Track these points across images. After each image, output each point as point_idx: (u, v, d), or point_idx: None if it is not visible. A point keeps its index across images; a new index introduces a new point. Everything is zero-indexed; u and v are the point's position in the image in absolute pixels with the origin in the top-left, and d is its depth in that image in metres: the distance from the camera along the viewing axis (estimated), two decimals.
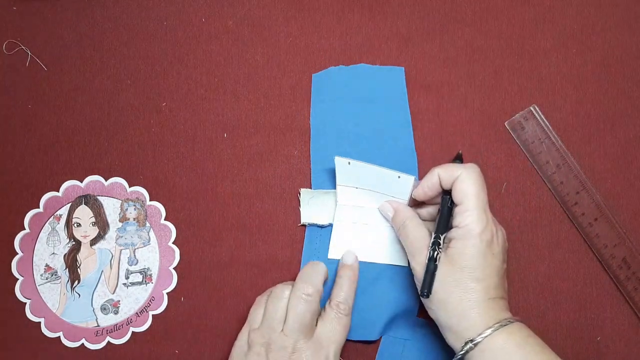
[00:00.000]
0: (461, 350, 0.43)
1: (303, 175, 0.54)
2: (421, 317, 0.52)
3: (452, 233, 0.45)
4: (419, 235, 0.47)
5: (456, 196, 0.45)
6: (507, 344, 0.42)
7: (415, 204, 0.50)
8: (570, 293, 0.52)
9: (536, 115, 0.53)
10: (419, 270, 0.45)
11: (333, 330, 0.46)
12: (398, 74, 0.54)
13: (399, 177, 0.49)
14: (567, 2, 0.55)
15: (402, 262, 0.51)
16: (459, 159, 0.50)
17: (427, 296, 0.44)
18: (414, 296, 0.51)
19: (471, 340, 0.42)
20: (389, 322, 0.50)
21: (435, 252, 0.45)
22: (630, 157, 0.53)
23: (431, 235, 0.46)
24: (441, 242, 0.45)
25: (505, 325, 0.42)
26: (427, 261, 0.45)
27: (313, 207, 0.52)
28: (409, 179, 0.49)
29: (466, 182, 0.45)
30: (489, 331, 0.42)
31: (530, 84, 0.54)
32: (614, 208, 0.52)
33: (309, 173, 0.54)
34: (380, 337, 0.51)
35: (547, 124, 0.53)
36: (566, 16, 0.55)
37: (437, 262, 0.44)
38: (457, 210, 0.45)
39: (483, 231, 0.44)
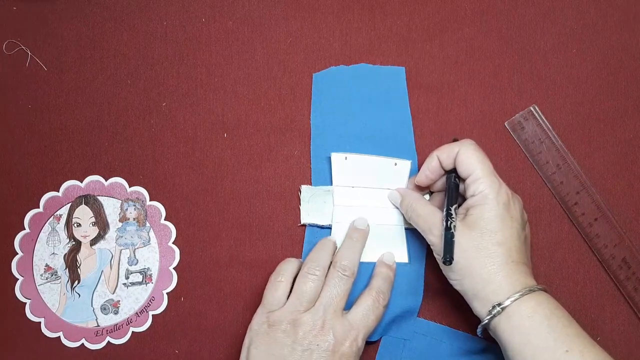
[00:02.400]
0: (488, 315, 0.43)
1: (303, 175, 0.54)
2: (421, 318, 0.52)
3: (469, 202, 0.45)
4: (429, 212, 0.47)
5: (461, 170, 0.46)
6: (536, 312, 0.42)
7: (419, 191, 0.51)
8: (570, 293, 0.52)
9: (536, 115, 0.53)
10: (437, 242, 0.45)
11: (367, 317, 0.46)
12: (398, 73, 0.54)
13: (395, 164, 0.50)
14: (567, 2, 0.55)
15: (401, 260, 0.51)
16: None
17: (450, 263, 0.44)
18: (414, 296, 0.51)
19: (499, 304, 0.42)
20: (389, 322, 0.50)
21: (450, 222, 0.45)
22: (630, 157, 0.53)
23: (441, 211, 0.46)
24: (452, 212, 0.45)
25: (533, 291, 0.42)
26: (443, 232, 0.45)
27: (313, 205, 0.53)
28: (405, 164, 0.51)
29: (467, 153, 0.46)
30: (516, 295, 0.42)
31: (530, 84, 0.54)
32: (614, 208, 0.52)
33: (309, 173, 0.54)
34: (380, 337, 0.51)
35: (547, 124, 0.53)
36: (566, 16, 0.55)
37: (453, 231, 0.44)
38: (468, 182, 0.45)
39: (498, 194, 0.44)
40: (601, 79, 0.54)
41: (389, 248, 0.52)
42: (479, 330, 0.45)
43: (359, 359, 0.46)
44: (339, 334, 0.45)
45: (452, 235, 0.44)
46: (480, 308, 0.44)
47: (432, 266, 0.52)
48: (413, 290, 0.51)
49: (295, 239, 0.53)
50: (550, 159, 0.53)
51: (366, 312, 0.47)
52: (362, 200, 0.52)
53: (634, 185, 0.53)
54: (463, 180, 0.46)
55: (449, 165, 0.47)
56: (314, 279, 0.47)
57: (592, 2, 0.55)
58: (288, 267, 0.49)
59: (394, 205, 0.51)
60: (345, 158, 0.52)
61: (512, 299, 0.42)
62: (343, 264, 0.48)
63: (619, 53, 0.54)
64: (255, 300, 0.53)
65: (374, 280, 0.49)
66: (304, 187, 0.53)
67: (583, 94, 0.54)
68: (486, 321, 0.43)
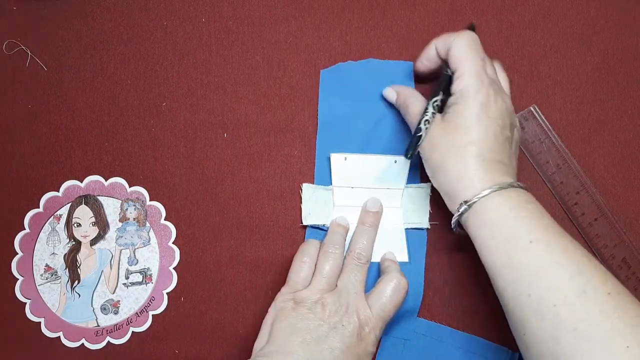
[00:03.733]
0: (457, 212, 0.43)
1: (303, 175, 0.54)
2: (421, 318, 0.52)
3: (451, 99, 0.46)
4: (420, 108, 0.48)
5: (451, 63, 0.46)
6: (503, 206, 0.42)
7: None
8: None
9: (536, 115, 0.53)
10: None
11: (384, 307, 0.47)
12: (407, 68, 0.54)
13: (395, 161, 0.50)
14: (567, 2, 0.55)
15: (401, 260, 0.51)
16: (470, 29, 0.49)
17: (409, 157, 0.46)
18: (414, 296, 0.51)
19: (466, 201, 0.43)
20: (389, 322, 0.50)
21: (423, 118, 0.46)
22: (630, 157, 0.53)
23: None
24: (429, 108, 0.46)
25: (504, 188, 0.42)
26: (417, 126, 0.46)
27: (314, 203, 0.53)
28: (405, 161, 0.51)
29: (459, 47, 0.46)
30: (486, 192, 0.42)
31: (530, 84, 0.54)
32: (614, 208, 0.52)
33: (309, 173, 0.53)
34: (381, 337, 0.51)
35: (547, 124, 0.53)
36: (566, 16, 0.55)
37: (422, 126, 0.46)
38: (454, 77, 0.46)
39: (476, 93, 0.44)
40: (601, 79, 0.54)
41: (389, 248, 0.52)
42: (453, 224, 0.45)
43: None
44: (362, 317, 0.45)
45: (420, 130, 0.46)
46: (451, 205, 0.44)
47: (432, 266, 0.52)
48: (413, 290, 0.51)
49: (295, 239, 0.53)
50: (550, 159, 0.53)
51: (386, 301, 0.47)
52: (361, 201, 0.52)
53: (634, 185, 0.53)
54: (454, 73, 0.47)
55: (444, 56, 0.48)
56: (335, 257, 0.48)
57: (592, 2, 0.55)
58: (311, 247, 0.49)
59: (389, 102, 0.52)
60: (345, 159, 0.52)
61: (480, 195, 0.42)
62: (357, 252, 0.49)
63: (619, 53, 0.54)
64: (256, 300, 0.53)
65: (390, 270, 0.49)
66: (305, 186, 0.53)
67: (583, 94, 0.54)
68: (456, 218, 0.44)
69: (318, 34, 0.55)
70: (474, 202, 0.42)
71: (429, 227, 0.52)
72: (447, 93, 0.47)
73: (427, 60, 0.49)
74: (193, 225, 0.53)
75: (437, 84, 0.48)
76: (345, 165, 0.52)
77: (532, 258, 0.40)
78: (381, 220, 0.52)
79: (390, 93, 0.52)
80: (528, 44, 0.55)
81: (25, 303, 0.53)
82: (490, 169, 0.43)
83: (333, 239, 0.50)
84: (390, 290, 0.47)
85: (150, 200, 0.54)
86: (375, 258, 0.51)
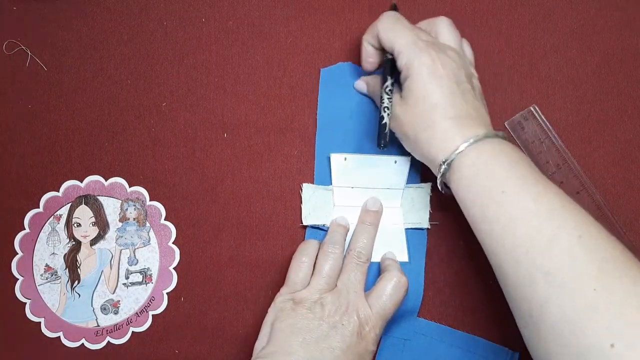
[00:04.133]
0: (439, 173, 0.44)
1: (303, 175, 0.54)
2: (421, 318, 0.52)
3: (401, 76, 0.47)
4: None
5: (386, 47, 0.47)
6: (478, 160, 0.42)
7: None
8: None
9: (536, 115, 0.53)
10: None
11: (384, 306, 0.47)
12: None
13: (395, 161, 0.50)
14: (567, 2, 0.55)
15: (401, 259, 0.51)
16: (392, 10, 0.50)
17: (382, 147, 0.47)
18: (414, 296, 0.51)
19: (444, 161, 0.43)
20: (389, 322, 0.50)
21: (382, 106, 0.47)
22: (630, 157, 0.53)
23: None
24: (384, 95, 0.47)
25: (479, 140, 0.43)
26: (381, 115, 0.47)
27: (314, 203, 0.53)
28: (405, 161, 0.51)
29: (384, 30, 0.47)
30: (461, 147, 0.43)
31: (530, 84, 0.54)
32: (614, 208, 0.52)
33: (309, 173, 0.53)
34: (381, 337, 0.51)
35: (547, 124, 0.53)
36: (566, 16, 0.55)
37: (386, 113, 0.47)
38: (394, 56, 0.47)
39: (419, 60, 0.45)
40: (601, 79, 0.54)
41: (389, 248, 0.52)
42: (439, 185, 0.46)
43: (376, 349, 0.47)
44: (362, 316, 0.45)
45: (382, 119, 0.47)
46: (434, 171, 0.45)
47: (432, 266, 0.52)
48: (413, 290, 0.51)
49: (295, 238, 0.53)
50: (550, 159, 0.53)
51: (386, 299, 0.47)
52: (361, 201, 0.52)
53: (634, 185, 0.53)
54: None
55: (379, 45, 0.48)
56: (334, 257, 0.48)
57: (592, 2, 0.55)
58: (309, 247, 0.49)
59: (360, 93, 0.53)
60: (345, 159, 0.52)
61: (457, 152, 0.43)
62: (357, 251, 0.49)
63: (619, 53, 0.54)
64: (256, 300, 0.53)
65: (390, 269, 0.49)
66: (305, 186, 0.53)
67: (583, 94, 0.54)
68: (439, 179, 0.45)
69: (318, 34, 0.55)
70: (452, 160, 0.43)
71: (429, 227, 0.52)
72: (396, 74, 0.47)
73: (369, 58, 0.50)
74: (193, 225, 0.53)
75: (384, 70, 0.48)
76: (345, 165, 0.52)
77: (504, 209, 0.40)
78: (381, 220, 0.52)
79: (361, 85, 0.53)
80: (528, 44, 0.55)
81: (25, 303, 0.53)
82: (458, 125, 0.44)
83: (333, 238, 0.50)
84: (391, 288, 0.47)
85: (150, 200, 0.54)
86: (376, 258, 0.51)
